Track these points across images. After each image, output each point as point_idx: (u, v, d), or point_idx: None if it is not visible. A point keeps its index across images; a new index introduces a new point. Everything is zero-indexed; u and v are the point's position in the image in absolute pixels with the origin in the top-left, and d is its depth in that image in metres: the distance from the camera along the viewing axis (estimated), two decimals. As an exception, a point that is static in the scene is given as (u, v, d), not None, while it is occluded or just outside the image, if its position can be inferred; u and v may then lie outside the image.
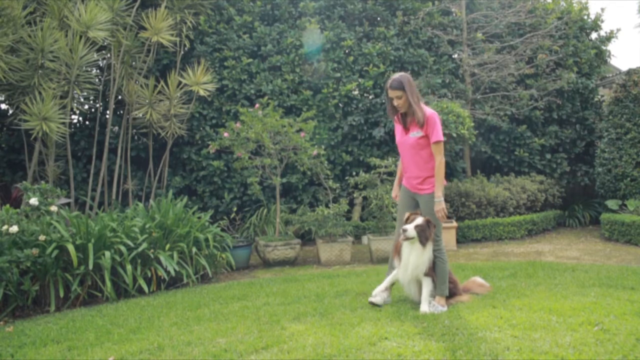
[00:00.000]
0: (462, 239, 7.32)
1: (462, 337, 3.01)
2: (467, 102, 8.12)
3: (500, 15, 8.35)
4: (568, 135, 8.80)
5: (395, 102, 3.67)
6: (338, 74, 7.89)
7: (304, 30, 7.90)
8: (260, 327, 3.42)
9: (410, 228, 3.58)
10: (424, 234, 3.58)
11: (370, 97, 8.22)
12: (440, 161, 3.62)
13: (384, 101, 7.98)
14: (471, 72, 8.19)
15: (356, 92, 8.10)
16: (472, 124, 7.14)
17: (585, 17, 9.09)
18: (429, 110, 3.67)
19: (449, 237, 6.90)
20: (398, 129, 3.86)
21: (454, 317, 3.42)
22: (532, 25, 8.63)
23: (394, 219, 6.46)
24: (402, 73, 3.73)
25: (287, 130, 6.29)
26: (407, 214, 3.74)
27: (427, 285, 3.67)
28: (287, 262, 6.19)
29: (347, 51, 8.19)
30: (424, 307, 3.61)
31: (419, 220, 3.62)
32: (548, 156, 8.70)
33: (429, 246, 3.63)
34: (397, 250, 3.74)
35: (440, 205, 3.63)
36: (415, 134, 3.67)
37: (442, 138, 3.63)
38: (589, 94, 8.87)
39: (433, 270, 3.70)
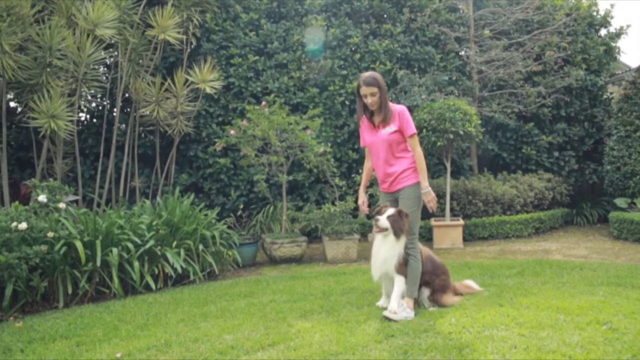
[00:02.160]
0: (469, 237, 7.29)
1: (469, 335, 3.00)
2: (474, 99, 8.08)
3: (508, 12, 8.29)
4: (576, 133, 8.73)
5: (370, 99, 3.58)
6: (344, 72, 7.87)
7: (310, 27, 7.88)
8: (267, 324, 3.43)
9: (383, 218, 3.47)
10: (397, 225, 3.45)
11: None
12: (420, 153, 3.61)
13: (390, 99, 7.93)
14: (478, 70, 8.15)
15: (362, 90, 8.06)
16: (479, 122, 7.10)
17: (594, 14, 9.00)
18: (399, 106, 3.68)
19: (455, 235, 6.88)
20: (366, 130, 3.76)
21: (460, 315, 3.41)
22: (540, 22, 8.56)
23: (401, 217, 6.44)
24: (372, 72, 3.66)
25: (294, 127, 6.29)
26: (378, 207, 3.64)
27: (399, 284, 3.52)
28: (293, 259, 6.19)
29: (353, 48, 8.16)
30: (394, 305, 3.43)
31: (391, 210, 3.50)
32: (556, 154, 8.64)
33: (402, 240, 3.49)
34: None
35: (430, 195, 3.57)
36: (388, 129, 3.61)
37: (415, 131, 3.62)
38: (597, 91, 8.80)
39: (405, 269, 3.55)
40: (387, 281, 3.66)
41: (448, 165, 7.14)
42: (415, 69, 8.37)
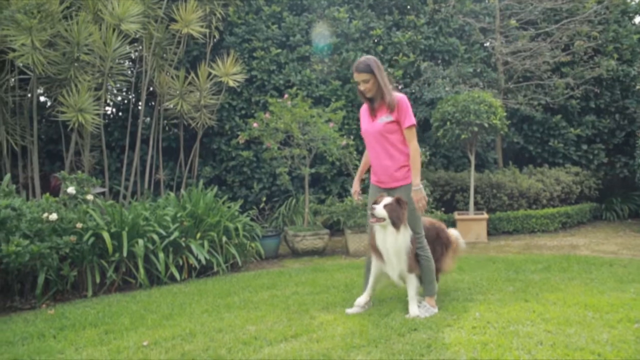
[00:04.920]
0: (493, 231, 7.19)
1: (493, 330, 2.96)
2: (499, 91, 7.92)
3: (535, 1, 8.06)
4: (606, 125, 8.46)
5: (362, 87, 3.39)
6: (367, 64, 7.80)
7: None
8: (290, 315, 3.46)
9: (379, 207, 3.26)
10: (396, 214, 3.25)
11: (400, 87, 8.10)
12: (415, 147, 3.36)
13: (413, 91, 7.86)
14: (504, 61, 7.97)
15: (385, 82, 7.99)
16: (505, 114, 6.96)
17: (628, 0, 8.68)
18: (398, 95, 3.44)
19: (479, 229, 6.78)
20: (364, 117, 3.56)
21: (484, 309, 3.37)
22: (569, 10, 8.30)
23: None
24: (368, 56, 3.45)
25: (316, 120, 6.28)
26: (375, 198, 3.42)
27: (412, 283, 3.37)
28: (315, 252, 6.21)
29: (376, 40, 8.08)
30: (414, 309, 3.31)
31: (388, 199, 3.30)
32: (584, 147, 8.41)
33: (404, 230, 3.30)
34: (374, 247, 3.44)
35: (421, 194, 3.34)
36: (384, 118, 3.38)
37: (414, 122, 3.38)
38: (630, 82, 8.49)
39: (418, 266, 3.41)
40: (381, 276, 3.51)
41: (472, 158, 7.03)
42: (439, 61, 8.24)
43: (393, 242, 3.30)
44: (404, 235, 3.31)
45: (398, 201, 3.30)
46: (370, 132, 3.48)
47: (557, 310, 3.28)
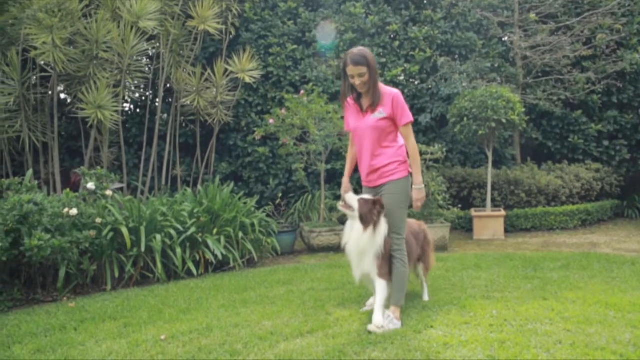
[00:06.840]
0: (511, 228, 7.10)
1: (510, 328, 2.93)
2: (517, 86, 7.79)
3: (556, -6, 7.90)
4: (629, 121, 8.27)
5: (358, 81, 3.12)
6: (383, 59, 7.76)
7: (348, 15, 7.79)
8: (305, 311, 3.47)
9: (352, 196, 3.18)
10: (367, 210, 3.07)
11: (416, 82, 8.04)
12: (414, 144, 3.23)
13: (430, 87, 7.78)
14: (523, 55, 7.84)
15: (402, 78, 7.94)
16: (523, 110, 6.85)
17: (654, -8, 8.44)
18: (392, 89, 3.24)
19: (496, 226, 6.70)
20: (352, 113, 3.34)
21: (502, 307, 3.34)
22: (591, 3, 8.11)
23: (440, 207, 6.34)
24: (361, 47, 3.22)
25: (332, 116, 6.27)
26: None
27: (381, 290, 3.09)
28: (331, 248, 6.22)
29: (392, 36, 8.02)
30: (378, 318, 3.00)
31: (368, 196, 3.19)
32: (605, 143, 8.24)
33: (373, 232, 3.07)
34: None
35: (422, 193, 3.21)
36: (377, 114, 3.18)
37: (412, 119, 3.22)
38: (655, 76, 8.28)
39: (389, 272, 3.16)
40: (369, 280, 3.29)
41: (490, 154, 6.95)
42: (456, 56, 8.14)
43: (356, 240, 3.12)
44: (374, 239, 3.09)
45: (376, 202, 3.12)
46: (362, 129, 3.26)
47: (576, 309, 3.23)
